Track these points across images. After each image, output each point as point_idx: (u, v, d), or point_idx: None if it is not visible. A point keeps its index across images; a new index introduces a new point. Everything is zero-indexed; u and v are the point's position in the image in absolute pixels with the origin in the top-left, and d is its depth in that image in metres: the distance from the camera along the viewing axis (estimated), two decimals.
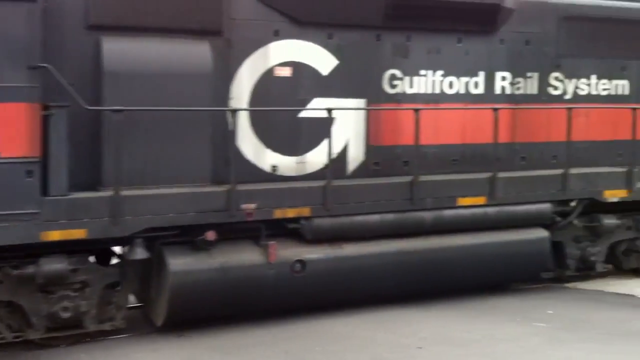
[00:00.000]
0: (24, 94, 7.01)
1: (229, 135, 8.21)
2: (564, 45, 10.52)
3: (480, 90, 9.97)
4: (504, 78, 10.16)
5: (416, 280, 9.14)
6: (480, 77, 9.98)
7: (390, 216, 8.87)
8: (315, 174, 8.86)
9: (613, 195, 10.35)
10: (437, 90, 9.72)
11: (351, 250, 8.69)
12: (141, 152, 7.78)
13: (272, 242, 8.20)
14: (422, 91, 9.61)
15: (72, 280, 7.58)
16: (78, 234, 7.34)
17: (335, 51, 9.02)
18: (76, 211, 7.31)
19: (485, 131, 9.67)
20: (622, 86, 11.14)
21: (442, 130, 9.66)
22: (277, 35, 8.69)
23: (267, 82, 8.65)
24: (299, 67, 8.82)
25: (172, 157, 7.95)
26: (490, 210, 9.44)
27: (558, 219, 10.10)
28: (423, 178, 8.99)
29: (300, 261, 8.36)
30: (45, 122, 7.21)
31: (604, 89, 11.00)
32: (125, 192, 7.46)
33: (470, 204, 9.32)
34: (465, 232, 9.36)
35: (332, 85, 9.00)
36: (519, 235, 9.72)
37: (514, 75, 10.22)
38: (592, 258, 10.48)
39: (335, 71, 9.04)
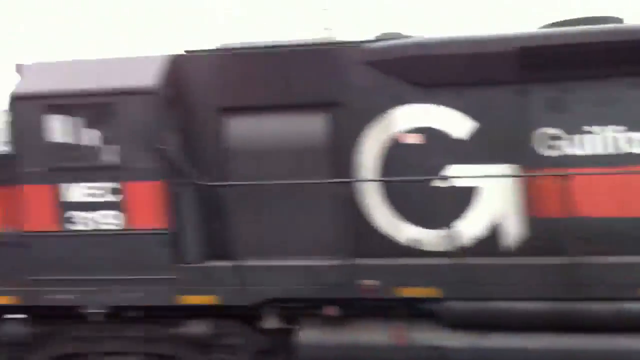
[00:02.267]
0: (153, 173, 7.82)
1: (356, 207, 8.02)
2: None
3: None
4: None
5: None
6: None
7: (546, 305, 7.46)
8: (456, 251, 7.76)
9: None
10: (615, 150, 7.82)
11: (499, 341, 7.54)
12: (263, 224, 8.08)
13: (400, 324, 7.71)
14: (590, 152, 7.84)
15: (221, 343, 8.13)
16: (209, 299, 7.96)
17: (468, 112, 8.02)
18: (206, 278, 7.93)
19: None
20: None
21: (627, 199, 7.69)
22: (400, 101, 8.13)
23: (393, 150, 8.13)
24: (427, 132, 8.08)
25: (294, 229, 8.07)
26: None
27: None
28: (590, 259, 7.31)
29: (439, 348, 7.61)
30: (175, 198, 7.90)
31: None
32: (249, 262, 7.76)
33: None
34: None
35: (468, 150, 7.99)
36: None
37: None
38: None
39: (475, 134, 8.02)
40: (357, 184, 8.07)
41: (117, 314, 8.27)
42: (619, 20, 8.43)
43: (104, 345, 8.49)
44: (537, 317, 7.47)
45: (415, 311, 7.81)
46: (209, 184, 7.95)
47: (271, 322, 8.05)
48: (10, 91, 8.19)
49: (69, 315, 8.42)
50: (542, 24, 8.70)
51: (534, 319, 7.48)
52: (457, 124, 8.07)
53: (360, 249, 7.91)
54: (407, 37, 8.46)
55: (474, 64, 7.93)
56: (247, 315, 8.23)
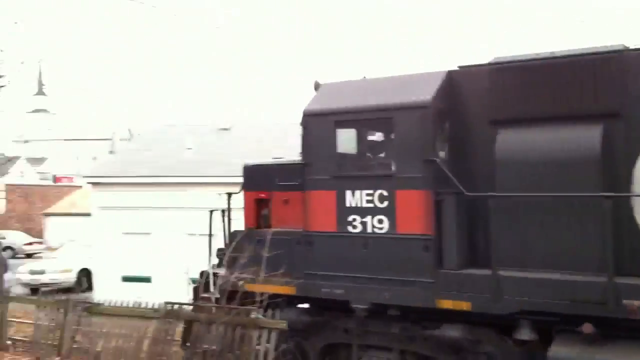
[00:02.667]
0: (420, 182, 8.48)
1: (632, 224, 7.77)
2: None
3: None
4: None
5: None
6: None
7: None
8: None
9: None
10: None
11: None
12: (523, 235, 8.16)
13: None
14: None
15: (475, 349, 8.38)
16: (464, 305, 8.31)
17: None
18: (463, 285, 8.30)
19: None
20: None
21: None
22: None
23: None
24: None
25: (557, 242, 7.98)
26: None
27: None
28: None
29: None
30: (438, 206, 8.43)
31: None
32: (507, 273, 7.94)
33: None
34: None
35: None
36: None
37: None
38: None
39: None
40: (634, 199, 7.78)
41: (378, 311, 8.90)
42: None
43: (368, 338, 9.21)
44: None
45: None
46: (472, 194, 8.33)
47: (525, 334, 8.01)
48: (304, 108, 9.54)
49: (337, 308, 9.31)
50: None
51: None
52: None
53: (629, 269, 7.62)
54: None
55: None
56: (499, 325, 8.31)
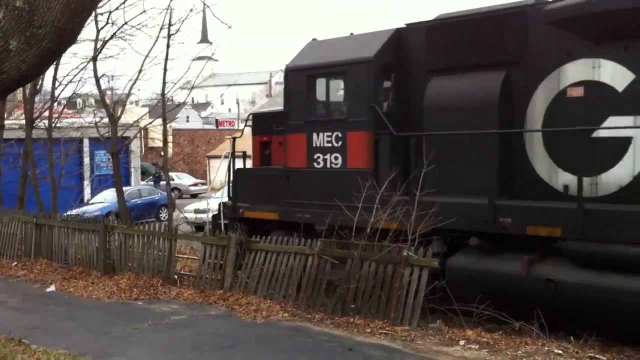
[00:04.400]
0: (364, 125, 10.27)
1: (521, 156, 9.29)
2: None
3: None
4: None
5: None
6: None
7: None
8: (610, 196, 8.57)
9: None
10: None
11: (613, 281, 8.00)
12: (439, 167, 9.62)
13: (525, 257, 8.66)
14: None
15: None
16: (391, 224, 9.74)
17: (632, 65, 8.44)
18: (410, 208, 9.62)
19: None
20: None
21: None
22: (570, 56, 8.97)
23: (559, 104, 9.06)
24: (592, 86, 8.77)
25: (462, 172, 9.55)
26: None
27: None
28: None
29: (552, 281, 8.42)
30: (376, 145, 10.20)
31: None
32: (425, 198, 9.49)
33: None
34: None
35: (629, 102, 8.46)
36: None
37: None
38: None
39: (631, 87, 8.45)
40: (525, 135, 9.26)
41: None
42: None
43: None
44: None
45: (549, 249, 8.71)
46: (399, 134, 9.99)
47: (437, 247, 9.55)
48: (287, 64, 11.50)
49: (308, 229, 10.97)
50: None
51: None
52: (619, 77, 8.59)
53: (520, 193, 9.27)
54: None
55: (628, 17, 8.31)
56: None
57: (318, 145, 10.98)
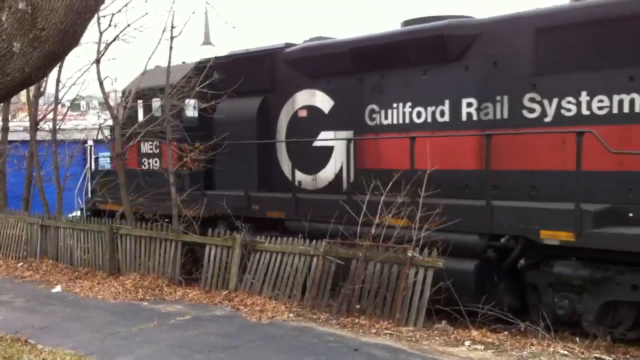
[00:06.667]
0: (174, 136, 13.15)
1: (273, 160, 12.69)
2: (542, 61, 9.13)
3: (446, 118, 10.11)
4: (469, 104, 9.86)
5: None
6: (446, 106, 10.10)
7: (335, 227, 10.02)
8: (324, 188, 11.78)
9: (553, 236, 8.22)
10: (407, 121, 10.60)
11: (302, 247, 10.40)
12: (228, 169, 13.13)
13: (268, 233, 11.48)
14: (394, 122, 10.78)
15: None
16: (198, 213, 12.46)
17: (331, 94, 11.68)
18: (195, 201, 12.68)
19: (453, 158, 9.95)
20: (630, 101, 8.36)
21: (415, 156, 9.78)
22: (298, 87, 12.20)
23: (294, 121, 12.35)
24: (311, 109, 12.04)
25: (238, 173, 12.86)
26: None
27: (492, 254, 9.07)
28: (357, 198, 10.12)
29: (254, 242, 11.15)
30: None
31: (601, 108, 8.62)
32: (217, 192, 13.06)
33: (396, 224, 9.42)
34: None
35: (331, 121, 11.64)
36: None
37: (481, 101, 9.74)
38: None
39: (332, 110, 11.72)
40: (276, 144, 12.66)
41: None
42: (451, 17, 10.39)
43: None
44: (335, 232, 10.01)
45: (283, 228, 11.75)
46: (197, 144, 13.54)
47: (221, 228, 12.05)
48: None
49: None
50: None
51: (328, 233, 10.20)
52: (326, 103, 11.80)
53: (274, 187, 12.52)
54: (321, 38, 12.39)
55: (333, 61, 11.40)
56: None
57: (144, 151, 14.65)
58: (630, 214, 8.22)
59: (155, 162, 14.22)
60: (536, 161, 9.16)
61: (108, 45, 14.14)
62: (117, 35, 14.08)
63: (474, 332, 8.38)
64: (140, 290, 11.43)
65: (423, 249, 9.02)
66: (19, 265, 14.53)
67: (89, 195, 16.10)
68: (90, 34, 21.43)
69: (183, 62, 14.58)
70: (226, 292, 10.93)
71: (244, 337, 8.53)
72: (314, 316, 9.51)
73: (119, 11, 14.56)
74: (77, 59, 24.20)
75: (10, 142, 19.21)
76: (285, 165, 12.38)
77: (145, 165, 14.35)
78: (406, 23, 11.12)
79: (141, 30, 14.61)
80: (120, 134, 13.42)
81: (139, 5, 46.92)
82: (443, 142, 9.94)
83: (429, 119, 10.31)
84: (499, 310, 8.70)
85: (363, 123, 11.16)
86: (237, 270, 11.02)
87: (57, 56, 5.06)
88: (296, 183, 11.82)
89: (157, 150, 14.17)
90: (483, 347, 7.91)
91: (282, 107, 12.49)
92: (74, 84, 17.74)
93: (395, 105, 10.72)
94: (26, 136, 18.40)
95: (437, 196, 9.39)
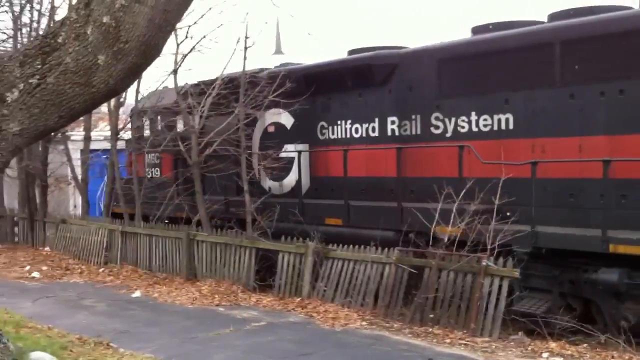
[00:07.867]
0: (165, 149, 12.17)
1: (252, 168, 13.59)
2: (443, 86, 10.92)
3: (376, 133, 11.99)
4: (393, 122, 11.69)
5: None
6: (376, 123, 11.94)
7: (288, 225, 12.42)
8: (288, 193, 13.34)
9: (443, 231, 9.54)
10: (348, 135, 12.50)
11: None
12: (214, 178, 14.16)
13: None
14: (338, 136, 12.67)
15: None
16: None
17: (292, 113, 13.07)
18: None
19: (381, 167, 11.78)
20: (505, 120, 10.08)
21: (354, 165, 11.90)
22: (268, 107, 13.38)
23: (265, 136, 13.98)
24: (277, 125, 13.80)
25: (220, 179, 13.88)
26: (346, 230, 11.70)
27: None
28: (308, 201, 12.67)
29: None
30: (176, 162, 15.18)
31: (485, 125, 10.32)
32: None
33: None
34: None
35: (292, 136, 13.36)
36: None
37: (401, 119, 11.56)
38: None
39: (293, 126, 13.42)
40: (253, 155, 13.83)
41: None
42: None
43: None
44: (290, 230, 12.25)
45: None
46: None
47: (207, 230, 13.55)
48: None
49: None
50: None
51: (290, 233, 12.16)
52: (289, 121, 13.46)
53: (253, 192, 13.15)
54: (287, 64, 14.34)
55: (293, 85, 12.58)
56: None
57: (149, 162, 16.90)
58: (508, 213, 9.45)
59: (156, 171, 16.86)
60: (440, 169, 10.74)
61: (185, 56, 14.49)
62: (194, 47, 14.41)
63: (552, 344, 8.18)
64: (217, 296, 11.66)
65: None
66: (100, 270, 15.04)
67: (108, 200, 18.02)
68: (167, 45, 21.95)
69: (165, 87, 16.19)
70: (299, 299, 11.03)
71: (318, 344, 8.58)
72: (387, 325, 9.48)
73: (195, 23, 14.90)
74: (156, 69, 24.55)
75: (92, 150, 19.90)
76: (262, 174, 13.95)
77: (149, 174, 16.87)
78: (350, 52, 12.91)
79: (216, 42, 14.93)
80: (197, 143, 13.72)
81: (213, 17, 47.60)
82: (373, 154, 11.98)
83: (364, 134, 12.25)
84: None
85: (316, 137, 13.09)
86: (309, 277, 11.09)
87: (139, 68, 5.21)
88: (267, 188, 13.80)
89: (158, 160, 16.75)
90: (562, 359, 7.71)
91: (256, 123, 14.06)
92: (152, 93, 18.19)
93: (339, 122, 12.69)
94: (107, 145, 19.01)
95: (367, 199, 11.74)
